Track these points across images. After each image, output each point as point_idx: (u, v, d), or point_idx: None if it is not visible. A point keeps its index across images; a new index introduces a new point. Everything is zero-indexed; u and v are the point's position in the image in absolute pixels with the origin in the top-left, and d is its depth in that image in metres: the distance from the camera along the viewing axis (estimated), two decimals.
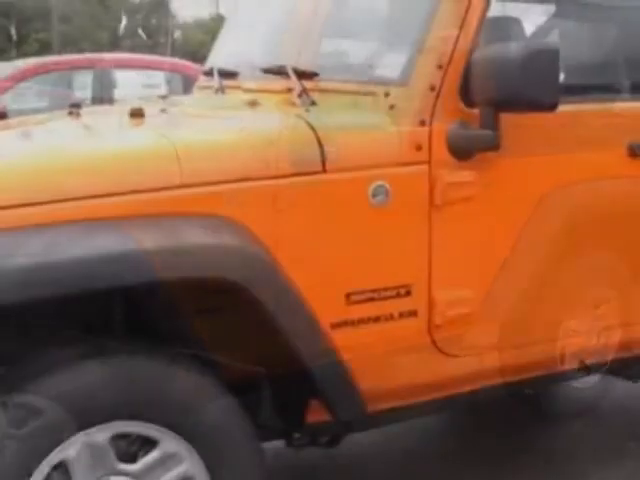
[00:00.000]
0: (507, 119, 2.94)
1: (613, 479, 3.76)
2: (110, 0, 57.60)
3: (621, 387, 4.25)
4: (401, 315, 2.93)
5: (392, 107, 2.95)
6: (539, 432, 4.39)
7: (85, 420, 2.41)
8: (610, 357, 3.60)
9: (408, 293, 2.93)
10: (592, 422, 4.44)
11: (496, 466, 3.87)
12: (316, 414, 2.94)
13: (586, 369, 3.66)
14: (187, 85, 6.40)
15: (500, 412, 4.51)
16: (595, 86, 3.48)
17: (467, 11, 2.98)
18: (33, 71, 9.14)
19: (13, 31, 45.70)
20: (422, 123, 2.92)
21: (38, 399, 2.35)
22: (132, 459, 2.54)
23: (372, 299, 2.87)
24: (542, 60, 2.80)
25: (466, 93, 2.96)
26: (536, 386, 3.79)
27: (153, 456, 2.54)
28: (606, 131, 3.33)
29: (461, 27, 2.97)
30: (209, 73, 3.93)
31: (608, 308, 3.39)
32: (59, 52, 27.82)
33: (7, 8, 51.87)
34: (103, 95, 8.68)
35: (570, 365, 3.50)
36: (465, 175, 2.98)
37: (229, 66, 3.82)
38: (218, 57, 4.09)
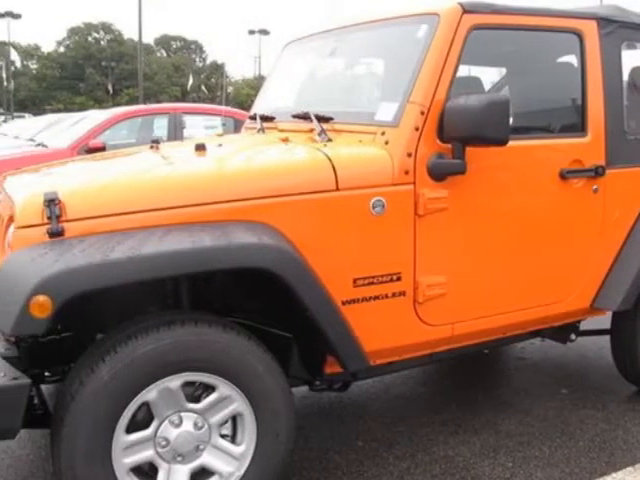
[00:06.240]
0: (473, 152, 2.94)
1: (549, 412, 3.75)
2: (181, 64, 58.01)
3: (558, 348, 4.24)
4: (394, 295, 2.92)
5: (387, 143, 2.94)
6: (494, 380, 4.37)
7: (162, 372, 2.43)
8: (544, 326, 3.60)
9: (399, 279, 2.92)
10: (536, 374, 4.41)
11: (463, 404, 3.86)
12: (331, 367, 2.93)
13: (529, 334, 3.67)
14: (238, 127, 6.40)
15: (467, 365, 4.50)
16: (535, 127, 3.47)
17: (441, 73, 2.97)
18: (124, 116, 9.19)
19: (110, 87, 45.96)
20: (409, 154, 2.91)
21: (127, 357, 2.37)
22: (197, 400, 2.55)
23: (372, 283, 2.86)
24: (496, 108, 2.80)
25: (441, 132, 2.95)
26: (492, 347, 3.77)
27: (212, 398, 2.56)
28: (543, 159, 3.30)
29: (437, 84, 2.96)
30: (253, 118, 3.92)
31: (538, 290, 3.37)
32: (143, 102, 27.89)
33: (105, 70, 52.35)
34: (176, 134, 8.72)
35: (517, 331, 3.50)
36: (441, 192, 2.97)
37: (268, 112, 3.83)
38: (260, 106, 4.09)
